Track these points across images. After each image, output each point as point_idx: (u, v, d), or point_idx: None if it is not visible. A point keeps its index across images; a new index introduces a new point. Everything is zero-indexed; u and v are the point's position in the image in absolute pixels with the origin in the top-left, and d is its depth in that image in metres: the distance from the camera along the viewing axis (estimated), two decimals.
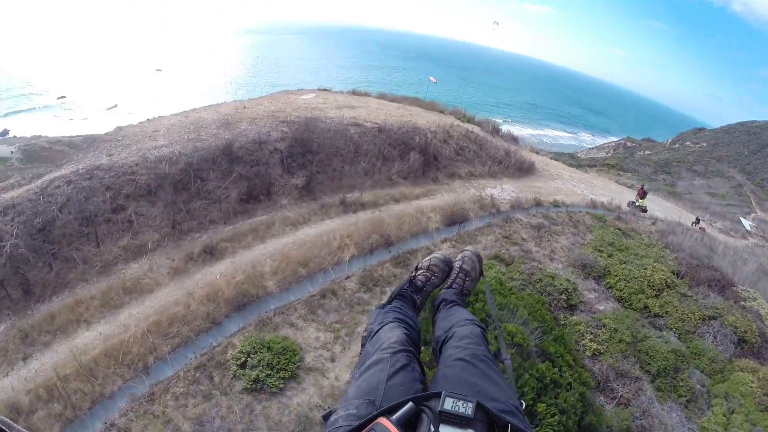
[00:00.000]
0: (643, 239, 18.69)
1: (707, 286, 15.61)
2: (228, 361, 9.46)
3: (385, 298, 11.48)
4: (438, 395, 1.34)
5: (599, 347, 12.14)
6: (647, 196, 24.74)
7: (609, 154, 56.56)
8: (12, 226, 11.99)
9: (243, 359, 9.22)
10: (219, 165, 14.07)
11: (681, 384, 12.11)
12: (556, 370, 9.54)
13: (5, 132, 48.19)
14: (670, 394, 11.90)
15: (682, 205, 32.87)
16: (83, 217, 12.34)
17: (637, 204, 23.98)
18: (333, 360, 9.50)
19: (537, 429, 8.25)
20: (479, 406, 1.31)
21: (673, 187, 39.66)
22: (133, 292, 11.26)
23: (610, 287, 14.89)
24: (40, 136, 44.98)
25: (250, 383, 8.83)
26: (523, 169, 22.28)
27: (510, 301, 10.38)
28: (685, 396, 11.90)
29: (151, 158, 13.74)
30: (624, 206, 23.21)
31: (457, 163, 19.30)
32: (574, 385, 9.49)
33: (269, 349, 9.28)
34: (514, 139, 28.14)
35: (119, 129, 16.62)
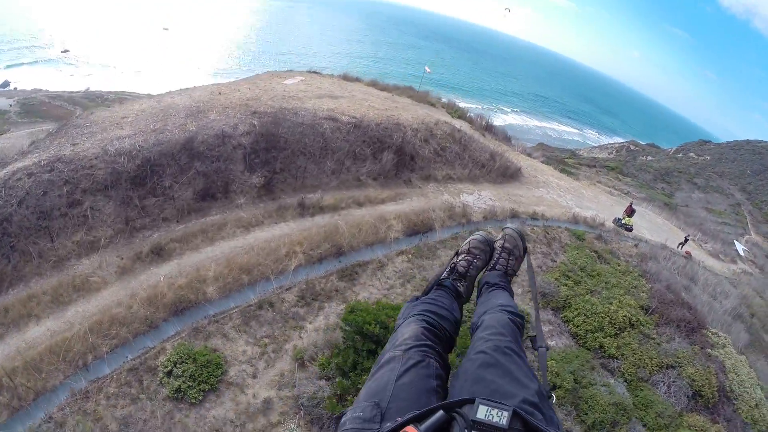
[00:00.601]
0: (619, 264, 18.23)
1: (676, 326, 15.29)
2: (158, 367, 10.38)
3: (321, 315, 12.20)
4: (471, 401, 1.32)
5: None
6: (635, 214, 24.25)
7: (611, 155, 55.79)
8: None
9: (170, 368, 10.11)
10: (178, 160, 14.67)
11: None
12: None
13: (6, 83, 49.64)
14: None
15: (675, 221, 31.89)
16: (41, 212, 13.24)
17: (623, 222, 23.57)
18: (255, 376, 10.31)
19: None
20: (515, 414, 1.28)
21: (670, 198, 39.11)
22: (81, 289, 12.22)
23: (566, 321, 14.69)
24: (40, 90, 46.29)
25: (173, 392, 9.74)
26: (508, 175, 21.73)
27: None
28: None
29: (111, 151, 14.42)
30: (609, 223, 22.77)
31: (436, 165, 19.08)
32: None
33: (195, 360, 10.12)
34: (507, 138, 27.45)
35: (90, 114, 17.31)
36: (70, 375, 10.46)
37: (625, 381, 13.54)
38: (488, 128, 26.05)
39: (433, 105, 24.61)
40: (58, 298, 12.05)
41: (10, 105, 38.99)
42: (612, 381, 13.32)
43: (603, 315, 14.69)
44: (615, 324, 14.58)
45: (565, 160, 39.02)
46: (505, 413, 1.26)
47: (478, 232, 2.62)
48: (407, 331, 1.89)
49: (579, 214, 21.25)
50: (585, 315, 14.69)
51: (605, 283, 16.37)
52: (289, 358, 10.60)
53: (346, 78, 24.89)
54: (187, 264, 12.61)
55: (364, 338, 9.87)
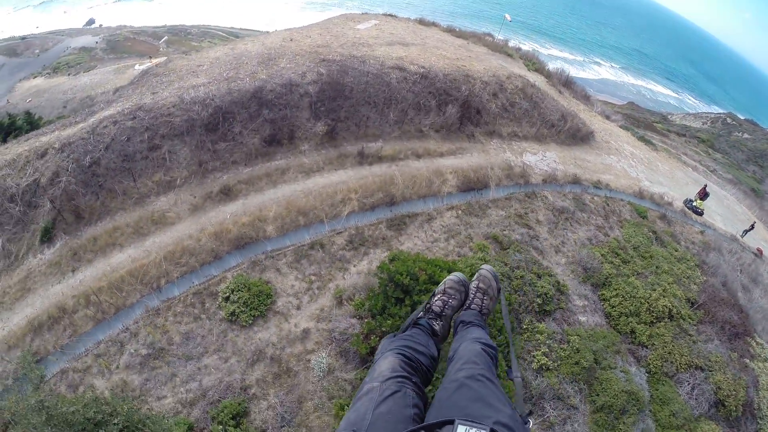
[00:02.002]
0: (677, 250, 17.61)
1: (720, 327, 14.74)
2: (218, 293, 12.43)
3: (366, 261, 13.54)
4: (451, 422, 1.46)
5: (549, 363, 12.35)
6: (708, 197, 23.00)
7: (704, 125, 49.73)
8: (67, 162, 16.10)
9: (228, 294, 12.05)
10: (248, 108, 16.65)
11: (621, 427, 12.10)
12: None
13: (91, 21, 55.85)
14: (605, 431, 12.06)
15: (758, 211, 28.70)
16: (125, 155, 15.95)
17: (694, 204, 22.68)
18: (298, 308, 11.89)
19: None
20: None
21: (759, 183, 34.59)
22: (158, 223, 14.71)
23: (603, 300, 14.73)
24: (124, 26, 51.60)
25: (228, 315, 11.67)
26: (578, 137, 21.20)
27: None
28: None
29: (187, 99, 16.75)
30: (678, 203, 21.92)
31: (502, 121, 19.05)
32: None
33: (249, 289, 11.95)
34: (586, 97, 26.08)
35: (168, 61, 19.99)
36: (146, 295, 12.85)
37: (648, 372, 13.50)
38: (567, 84, 25.11)
39: (510, 56, 24.28)
40: (138, 230, 14.63)
41: (96, 42, 43.51)
42: (633, 369, 13.25)
43: (642, 300, 14.56)
44: (653, 312, 14.43)
45: (654, 124, 36.30)
46: (483, 431, 1.43)
47: (454, 273, 2.90)
48: (384, 363, 2.09)
49: (646, 189, 20.58)
50: (623, 297, 14.62)
51: (656, 267, 15.96)
52: (330, 296, 11.99)
53: (421, 22, 25.33)
54: (251, 204, 14.55)
55: (395, 286, 11.00)
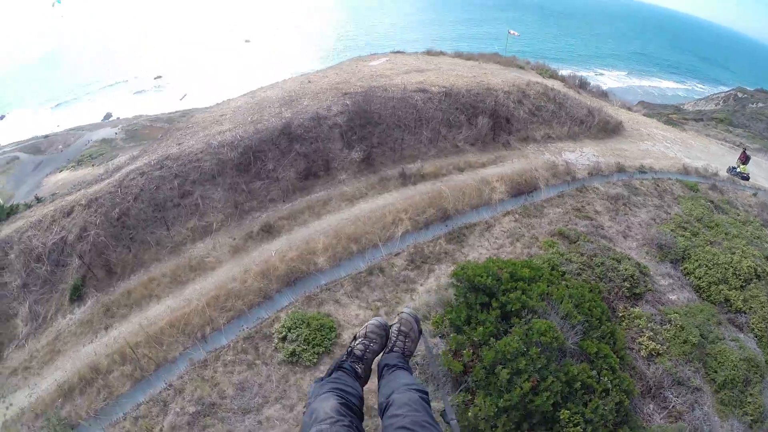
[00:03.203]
0: (739, 214, 16.97)
1: None
2: (272, 334, 10.35)
3: (432, 278, 11.55)
4: None
5: (658, 347, 10.90)
6: (750, 161, 22.12)
7: (718, 106, 48.67)
8: (95, 216, 14.44)
9: (284, 333, 9.98)
10: (278, 145, 15.16)
11: (749, 400, 10.60)
12: (594, 373, 8.78)
13: (108, 115, 55.98)
14: (734, 410, 10.48)
15: None
16: (155, 204, 14.29)
17: (738, 170, 21.74)
18: None
19: None
20: None
21: None
22: (197, 269, 12.82)
23: (687, 273, 13.53)
24: (140, 116, 51.51)
25: (288, 356, 9.55)
26: (608, 129, 20.65)
27: (555, 291, 9.74)
28: (752, 415, 10.44)
29: (214, 144, 15.30)
30: (722, 173, 21.17)
31: (532, 125, 18.21)
32: (612, 393, 8.72)
33: (308, 325, 9.90)
34: (604, 94, 25.57)
35: (190, 116, 18.74)
36: (189, 347, 10.83)
37: (756, 337, 12.17)
38: (582, 86, 24.46)
39: (521, 68, 23.70)
40: (176, 279, 12.72)
41: (116, 133, 43.26)
42: (741, 336, 11.89)
43: (726, 266, 13.36)
44: (740, 275, 13.22)
45: (670, 116, 35.22)
46: None
47: (375, 318, 2.72)
48: (326, 405, 1.96)
49: (689, 165, 20.09)
50: (707, 266, 13.41)
51: (725, 234, 15.03)
52: None
53: (430, 53, 24.76)
54: (296, 238, 12.71)
55: (476, 292, 9.08)
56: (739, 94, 53.36)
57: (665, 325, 11.49)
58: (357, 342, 2.65)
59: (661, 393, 10.35)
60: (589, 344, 9.17)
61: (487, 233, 12.70)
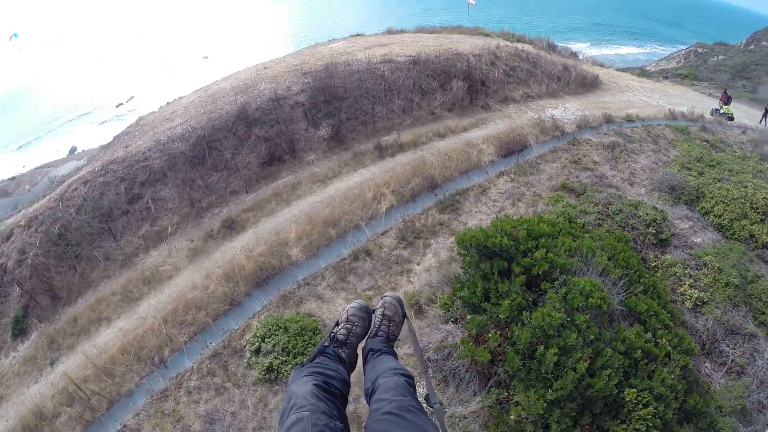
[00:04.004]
0: (735, 152, 15.86)
1: None
2: (244, 347, 7.86)
3: (429, 254, 9.22)
4: None
5: (702, 295, 9.06)
6: (731, 102, 21.29)
7: (680, 64, 47.89)
8: (34, 237, 11.70)
9: (257, 344, 7.53)
10: (235, 131, 12.62)
11: None
12: (649, 335, 6.69)
13: (74, 149, 51.96)
14: None
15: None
16: (101, 215, 11.65)
17: (722, 111, 20.71)
18: None
19: (624, 427, 5.64)
20: None
21: (754, 94, 32.68)
22: (152, 281, 10.21)
23: (705, 213, 11.99)
24: (105, 145, 48.10)
25: (264, 372, 7.11)
26: (587, 84, 18.97)
27: (583, 244, 7.51)
28: None
29: (163, 140, 12.69)
30: (707, 115, 20.09)
31: (509, 86, 16.30)
32: (673, 356, 6.58)
33: (286, 329, 7.46)
34: (573, 55, 23.93)
35: (140, 119, 15.99)
36: (146, 375, 8.44)
37: None
38: (551, 48, 22.65)
39: (487, 36, 21.69)
40: (127, 296, 10.13)
41: (82, 165, 40.13)
42: None
43: (742, 200, 11.91)
44: (757, 209, 11.83)
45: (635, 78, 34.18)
46: None
47: (355, 301, 2.51)
48: (304, 390, 1.78)
49: (675, 110, 18.73)
50: (724, 203, 11.93)
51: (728, 171, 13.71)
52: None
53: (391, 32, 22.40)
54: (263, 231, 10.23)
55: (491, 258, 6.75)
56: (699, 50, 52.45)
57: (701, 269, 9.66)
58: (339, 327, 2.39)
59: (716, 347, 8.44)
60: (637, 301, 6.99)
61: (483, 197, 10.53)
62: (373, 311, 2.52)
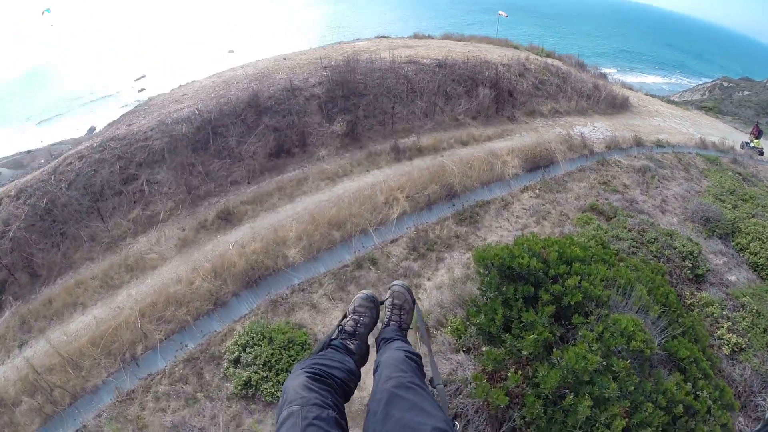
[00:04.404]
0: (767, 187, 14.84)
1: None
2: (223, 354, 6.97)
3: (443, 269, 8.26)
4: None
5: (740, 341, 8.07)
6: (762, 136, 20.25)
7: (704, 96, 46.51)
8: (21, 209, 11.01)
9: (237, 353, 6.62)
10: (244, 118, 11.87)
11: None
12: (689, 386, 5.65)
13: (92, 129, 51.87)
14: None
15: None
16: (92, 192, 10.94)
17: (752, 145, 19.70)
18: None
19: None
20: None
21: None
22: (135, 269, 9.40)
23: (741, 249, 10.99)
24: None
25: (240, 387, 6.19)
26: (616, 105, 18.15)
27: (620, 274, 6.52)
28: None
29: (168, 121, 11.99)
30: (737, 148, 19.28)
31: (537, 99, 15.46)
32: (713, 411, 5.54)
33: (270, 340, 6.55)
34: (602, 75, 23.08)
35: (150, 99, 15.34)
36: (115, 371, 7.53)
37: None
38: (580, 65, 21.84)
39: (516, 48, 20.92)
40: (107, 282, 9.34)
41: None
42: None
43: None
44: None
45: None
46: None
47: (362, 291, 2.46)
48: (296, 383, 1.71)
49: (706, 139, 17.93)
50: (760, 240, 10.97)
51: (761, 206, 12.81)
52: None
53: (417, 36, 21.64)
54: (261, 226, 9.38)
55: (515, 281, 5.77)
56: (724, 84, 51.07)
57: (739, 311, 8.66)
58: (347, 319, 2.34)
59: (751, 400, 7.36)
60: (678, 346, 5.97)
61: (505, 212, 9.61)
62: (382, 302, 2.48)
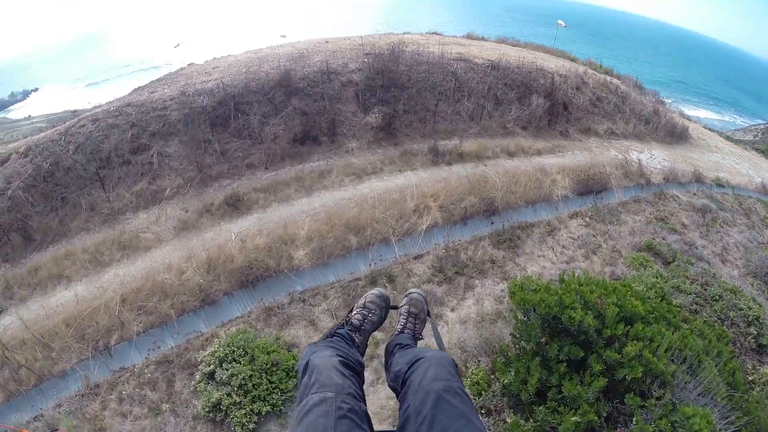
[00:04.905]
0: None
1: None
2: (199, 363, 6.02)
3: (471, 298, 7.14)
4: None
5: None
6: None
7: (757, 138, 43.31)
8: (26, 168, 10.49)
9: (213, 366, 5.64)
10: (271, 97, 11.02)
11: None
12: None
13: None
14: None
15: None
16: (99, 159, 10.30)
17: None
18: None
19: None
20: None
21: None
22: (128, 247, 8.65)
23: None
24: None
25: (208, 410, 5.20)
26: (675, 134, 16.69)
27: (687, 342, 5.19)
28: None
29: (190, 92, 11.26)
30: None
31: (594, 117, 14.16)
32: None
33: (252, 359, 5.53)
34: (660, 101, 21.24)
35: (180, 69, 14.77)
36: (85, 359, 6.75)
37: None
38: (639, 88, 20.29)
39: (573, 60, 19.51)
40: (97, 258, 8.63)
41: None
42: None
43: None
44: None
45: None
46: None
47: (375, 288, 2.37)
48: (327, 364, 1.62)
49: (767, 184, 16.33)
50: None
51: None
52: None
53: (470, 36, 20.42)
54: (271, 219, 8.45)
55: (559, 337, 4.55)
56: None
57: None
58: (355, 312, 2.25)
59: None
60: None
61: (550, 238, 8.40)
62: (396, 307, 2.40)
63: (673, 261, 9.09)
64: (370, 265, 7.34)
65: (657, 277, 7.89)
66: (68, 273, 8.50)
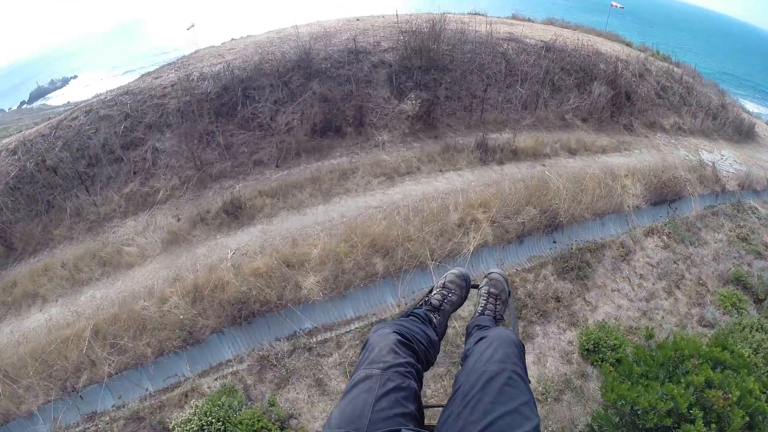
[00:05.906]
0: None
1: None
2: (172, 427, 4.73)
3: (529, 349, 5.82)
4: None
5: None
6: None
7: None
8: (12, 167, 9.57)
9: None
10: (287, 81, 9.65)
11: None
12: None
13: None
14: None
15: None
16: (88, 156, 9.25)
17: None
18: None
19: None
20: None
21: None
22: (108, 264, 7.54)
23: None
24: None
25: None
26: (742, 132, 14.66)
27: None
28: None
29: (194, 76, 10.03)
30: None
31: (659, 109, 12.29)
32: None
33: None
34: (721, 92, 18.61)
35: (195, 52, 13.62)
36: (52, 401, 5.66)
37: None
38: (699, 77, 17.93)
39: (628, 45, 17.31)
40: (74, 275, 7.61)
41: None
42: None
43: None
44: None
45: None
46: None
47: (456, 268, 2.26)
48: (383, 343, 1.59)
49: None
50: None
51: None
52: None
53: (516, 17, 18.46)
54: (277, 232, 7.08)
55: None
56: None
57: None
58: (434, 293, 2.19)
59: None
60: None
61: (624, 264, 6.85)
62: (475, 285, 2.32)
63: (766, 299, 7.66)
64: (401, 297, 5.84)
65: (759, 330, 6.29)
66: (44, 292, 7.52)
